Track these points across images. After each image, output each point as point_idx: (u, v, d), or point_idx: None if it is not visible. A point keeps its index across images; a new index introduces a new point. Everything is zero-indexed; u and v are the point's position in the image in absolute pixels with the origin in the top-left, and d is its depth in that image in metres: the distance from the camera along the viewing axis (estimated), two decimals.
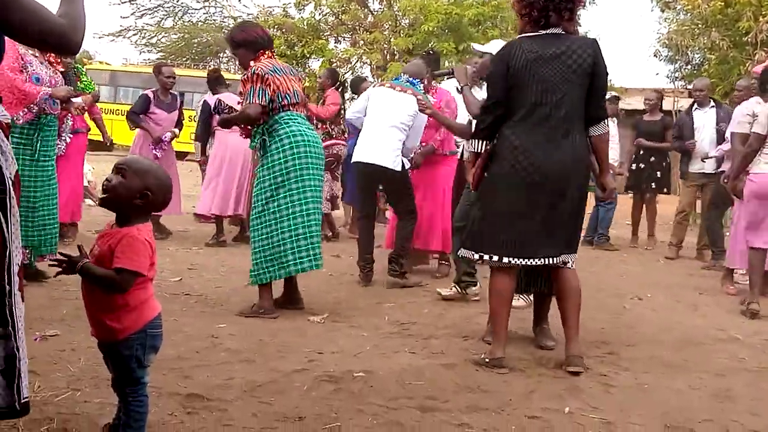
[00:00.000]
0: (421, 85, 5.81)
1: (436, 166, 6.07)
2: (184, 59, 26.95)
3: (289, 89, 4.49)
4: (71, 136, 6.49)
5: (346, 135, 8.33)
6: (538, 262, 3.68)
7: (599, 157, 3.82)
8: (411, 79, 5.76)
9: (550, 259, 3.69)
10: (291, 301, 4.74)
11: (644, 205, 8.84)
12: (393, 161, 5.58)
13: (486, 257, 3.73)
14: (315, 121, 8.06)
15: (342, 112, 8.16)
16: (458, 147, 6.18)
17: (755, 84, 6.23)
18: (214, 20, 29.73)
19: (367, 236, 5.83)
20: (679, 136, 7.93)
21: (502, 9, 16.59)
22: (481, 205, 3.81)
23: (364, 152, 5.65)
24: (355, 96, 8.91)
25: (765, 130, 5.22)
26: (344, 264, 6.66)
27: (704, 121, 7.67)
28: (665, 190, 8.73)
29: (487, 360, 3.71)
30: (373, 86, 5.97)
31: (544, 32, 3.64)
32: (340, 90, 8.49)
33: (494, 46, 5.28)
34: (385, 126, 5.60)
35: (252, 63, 4.53)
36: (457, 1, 16.72)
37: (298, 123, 4.53)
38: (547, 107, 3.58)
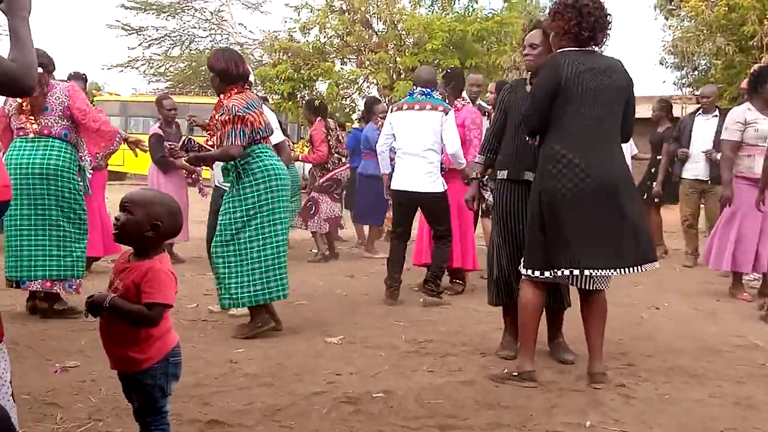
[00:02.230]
0: (436, 92, 5.84)
1: (452, 183, 6.08)
2: (192, 87, 27.21)
3: (261, 124, 4.55)
4: (92, 172, 6.59)
5: (343, 160, 8.42)
6: (621, 272, 3.63)
7: None
8: (424, 89, 5.75)
9: (646, 266, 3.66)
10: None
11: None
12: (432, 185, 5.65)
13: (559, 272, 3.59)
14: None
15: (329, 140, 8.19)
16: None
17: None
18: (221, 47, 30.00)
19: (398, 256, 5.86)
20: (677, 138, 7.93)
21: (505, 24, 16.67)
22: (541, 222, 3.65)
23: (403, 181, 5.72)
24: (367, 116, 8.94)
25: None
26: (359, 284, 6.67)
27: (704, 128, 7.64)
28: (670, 199, 8.71)
29: (515, 374, 3.70)
30: (391, 111, 5.93)
31: (585, 48, 3.68)
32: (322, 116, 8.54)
33: None
34: (419, 151, 5.64)
35: (223, 97, 4.56)
36: (460, 18, 16.82)
37: (270, 156, 4.61)
38: (598, 120, 3.60)
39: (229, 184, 4.73)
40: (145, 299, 2.28)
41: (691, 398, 3.52)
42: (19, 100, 4.85)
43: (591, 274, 3.59)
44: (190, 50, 29.97)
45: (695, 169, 7.71)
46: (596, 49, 3.71)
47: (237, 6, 29.92)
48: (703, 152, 7.55)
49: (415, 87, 5.88)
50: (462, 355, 4.26)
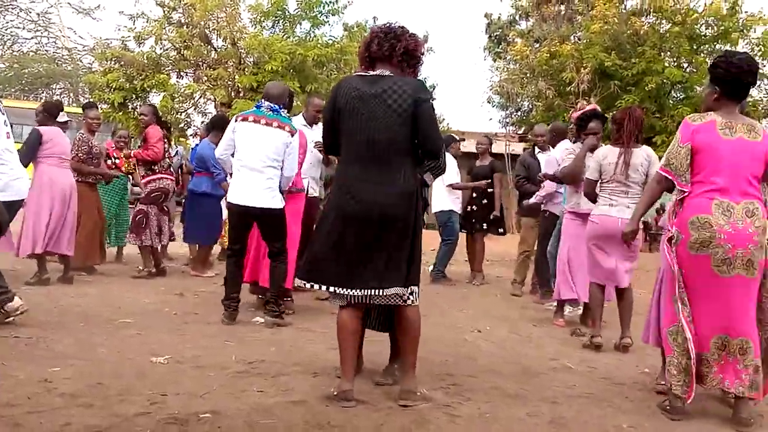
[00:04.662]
0: (285, 111, 5.79)
1: (292, 203, 6.09)
2: (13, 90, 25.43)
3: None
4: None
5: (171, 169, 8.23)
6: (362, 293, 3.69)
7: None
8: (273, 105, 5.67)
9: (379, 291, 3.69)
10: None
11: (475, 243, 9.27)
12: (272, 200, 5.57)
13: (316, 287, 3.77)
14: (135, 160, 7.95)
15: (165, 146, 7.98)
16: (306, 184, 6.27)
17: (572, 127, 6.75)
18: (47, 51, 28.42)
19: (235, 275, 5.73)
20: (527, 177, 8.34)
21: (345, 52, 16.97)
22: (314, 237, 3.87)
23: (240, 195, 5.57)
24: (214, 133, 8.75)
25: (596, 176, 5.50)
26: (189, 303, 6.47)
27: (547, 164, 8.12)
28: (501, 231, 9.19)
29: (335, 393, 3.72)
30: (236, 119, 5.76)
31: (372, 73, 3.80)
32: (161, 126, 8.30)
33: None
34: (259, 166, 5.53)
35: None
36: (301, 42, 16.92)
37: None
38: (370, 144, 3.69)
39: None
40: None
41: (510, 417, 3.70)
42: None
43: (337, 292, 3.70)
44: (12, 51, 28.03)
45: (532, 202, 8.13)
46: (385, 73, 3.77)
47: (66, 9, 28.41)
48: (541, 175, 7.94)
49: (263, 100, 5.76)
50: (293, 374, 4.23)
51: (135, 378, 3.96)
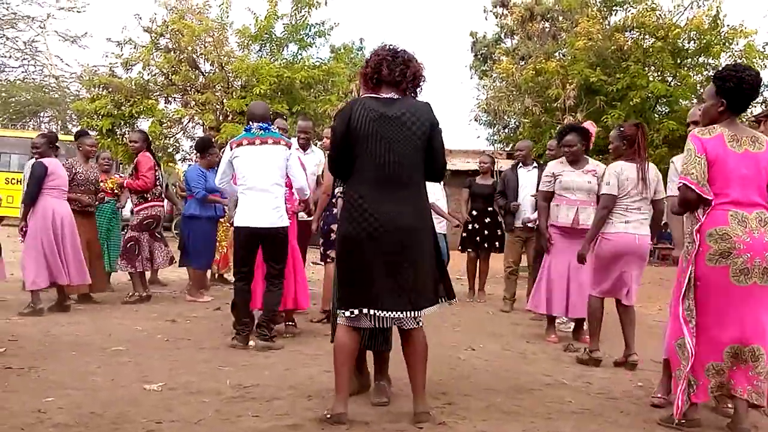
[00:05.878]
0: (274, 126, 5.84)
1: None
2: (0, 119, 25.40)
3: None
4: None
5: (162, 195, 8.31)
6: (400, 315, 3.71)
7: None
8: (262, 124, 5.71)
9: (411, 312, 3.73)
10: None
11: (478, 262, 9.26)
12: (279, 219, 5.62)
13: (350, 313, 3.69)
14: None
15: (156, 173, 8.01)
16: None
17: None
18: (34, 79, 28.43)
19: (245, 299, 5.71)
20: (503, 191, 8.42)
21: (332, 74, 17.05)
22: (339, 264, 3.81)
23: (249, 217, 5.58)
24: (199, 155, 8.80)
25: (617, 191, 5.36)
26: (181, 329, 6.44)
27: (527, 179, 8.21)
28: (500, 248, 9.21)
29: (328, 416, 3.71)
30: (230, 147, 5.77)
31: (384, 96, 3.81)
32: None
33: None
34: (265, 186, 5.57)
35: None
36: (288, 65, 16.98)
37: None
38: (391, 166, 3.71)
39: None
40: None
41: None
42: None
43: (385, 315, 3.68)
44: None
45: (524, 217, 8.20)
46: (395, 96, 3.82)
47: (53, 38, 28.43)
48: (531, 196, 8.02)
49: (251, 123, 5.76)
50: (288, 398, 4.22)
51: (129, 406, 3.94)
